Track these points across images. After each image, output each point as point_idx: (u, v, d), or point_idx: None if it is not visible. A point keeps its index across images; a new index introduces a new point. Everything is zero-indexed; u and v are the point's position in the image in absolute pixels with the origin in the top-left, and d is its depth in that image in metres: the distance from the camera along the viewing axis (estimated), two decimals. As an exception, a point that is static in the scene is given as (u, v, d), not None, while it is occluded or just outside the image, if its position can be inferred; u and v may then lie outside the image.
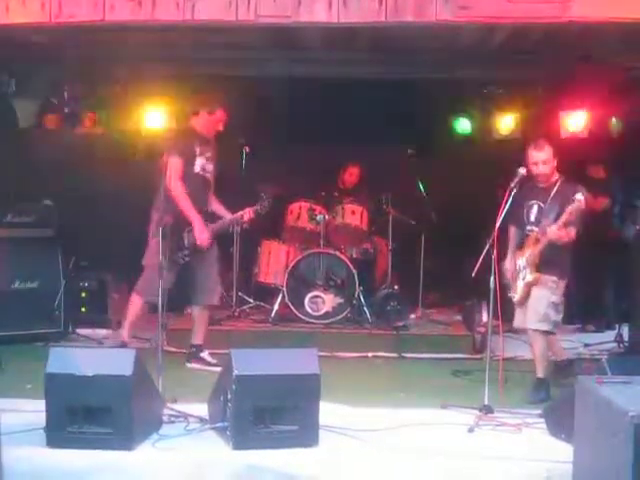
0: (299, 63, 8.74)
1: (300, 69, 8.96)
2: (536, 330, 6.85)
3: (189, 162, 7.33)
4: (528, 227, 6.98)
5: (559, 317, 6.92)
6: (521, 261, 6.93)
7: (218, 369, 6.23)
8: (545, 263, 6.79)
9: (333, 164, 10.63)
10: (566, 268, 6.92)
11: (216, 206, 7.64)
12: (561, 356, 7.28)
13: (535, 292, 6.85)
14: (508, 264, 7.02)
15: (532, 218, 6.96)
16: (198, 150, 7.34)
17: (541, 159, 6.89)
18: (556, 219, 6.66)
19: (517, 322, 7.12)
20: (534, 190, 6.96)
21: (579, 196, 6.51)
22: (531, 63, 8.59)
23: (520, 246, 7.04)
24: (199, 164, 7.38)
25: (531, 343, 6.96)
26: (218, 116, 7.47)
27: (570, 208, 6.51)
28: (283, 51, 8.11)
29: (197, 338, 7.76)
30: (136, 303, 7.54)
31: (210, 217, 7.50)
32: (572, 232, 6.72)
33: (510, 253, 7.10)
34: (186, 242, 7.35)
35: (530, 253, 6.84)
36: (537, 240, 6.80)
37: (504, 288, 6.80)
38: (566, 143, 9.89)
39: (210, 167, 7.47)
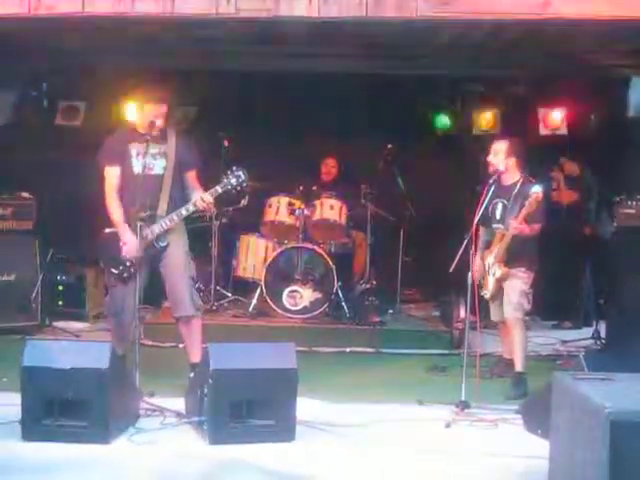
0: (281, 57, 8.70)
1: (281, 63, 8.93)
2: (515, 319, 6.97)
3: (125, 165, 6.74)
4: (495, 225, 7.16)
5: (529, 307, 7.10)
6: (490, 258, 7.10)
7: None
8: (513, 257, 6.98)
9: (313, 159, 10.61)
10: (534, 260, 7.10)
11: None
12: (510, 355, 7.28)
13: (507, 284, 7.03)
14: (476, 263, 7.10)
15: (498, 216, 7.13)
16: (135, 151, 6.69)
17: (494, 148, 7.13)
18: (518, 215, 6.84)
19: (493, 316, 7.34)
20: (499, 189, 7.05)
21: (535, 189, 6.75)
22: (511, 60, 8.60)
23: (488, 245, 7.22)
24: (139, 164, 6.69)
25: (510, 333, 7.06)
26: (148, 111, 6.80)
27: (529, 200, 6.70)
28: (264, 45, 8.06)
29: (191, 356, 6.75)
30: (109, 322, 7.07)
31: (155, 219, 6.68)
32: (535, 227, 6.93)
33: (478, 252, 7.23)
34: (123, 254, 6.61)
35: (498, 249, 7.01)
36: (503, 236, 6.97)
37: (481, 284, 6.94)
38: (544, 139, 9.95)
39: (161, 163, 6.74)
